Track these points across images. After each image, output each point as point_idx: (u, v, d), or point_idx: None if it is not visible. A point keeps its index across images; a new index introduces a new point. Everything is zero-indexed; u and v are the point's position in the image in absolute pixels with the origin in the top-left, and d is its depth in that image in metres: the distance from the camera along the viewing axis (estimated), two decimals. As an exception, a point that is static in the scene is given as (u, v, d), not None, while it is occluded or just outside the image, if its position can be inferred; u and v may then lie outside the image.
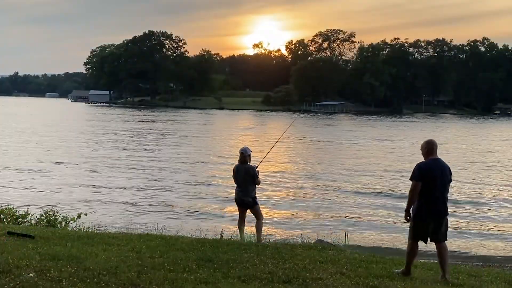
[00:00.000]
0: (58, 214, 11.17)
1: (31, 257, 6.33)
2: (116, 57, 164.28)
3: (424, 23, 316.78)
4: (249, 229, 10.21)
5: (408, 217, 6.95)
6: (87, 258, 6.57)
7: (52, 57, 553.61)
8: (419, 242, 7.07)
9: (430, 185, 6.77)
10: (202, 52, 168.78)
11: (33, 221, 11.02)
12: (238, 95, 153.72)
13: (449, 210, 7.04)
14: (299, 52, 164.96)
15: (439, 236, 6.98)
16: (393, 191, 22.71)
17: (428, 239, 7.00)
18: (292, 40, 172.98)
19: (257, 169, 9.72)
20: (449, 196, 6.99)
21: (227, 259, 7.02)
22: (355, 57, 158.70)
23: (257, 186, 9.73)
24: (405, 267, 7.08)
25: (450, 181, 7.02)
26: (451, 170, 7.09)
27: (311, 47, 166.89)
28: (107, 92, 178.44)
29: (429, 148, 6.99)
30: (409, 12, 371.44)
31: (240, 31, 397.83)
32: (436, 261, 7.38)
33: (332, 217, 17.42)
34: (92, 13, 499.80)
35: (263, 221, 10.01)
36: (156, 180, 24.33)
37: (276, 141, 12.91)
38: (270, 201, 19.74)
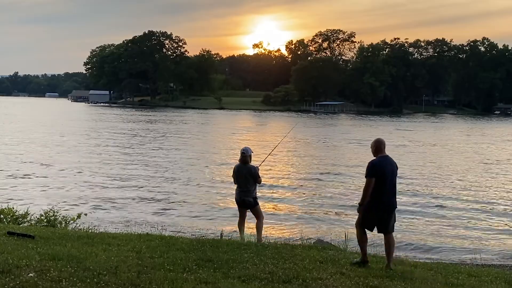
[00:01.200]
0: (58, 214, 11.15)
1: (31, 257, 6.33)
2: (116, 57, 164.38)
3: (424, 23, 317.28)
4: (249, 229, 10.21)
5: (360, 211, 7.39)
6: (87, 258, 6.56)
7: (52, 57, 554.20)
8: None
9: (382, 180, 7.21)
10: (202, 52, 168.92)
11: (33, 221, 11.01)
12: (238, 95, 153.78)
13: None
14: (299, 52, 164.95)
15: (389, 228, 7.44)
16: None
17: (376, 229, 7.47)
18: (292, 40, 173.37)
19: (258, 167, 9.72)
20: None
21: (227, 259, 7.02)
22: (355, 57, 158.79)
23: (258, 185, 9.72)
24: (361, 255, 7.43)
25: (396, 175, 7.49)
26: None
27: (311, 47, 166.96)
28: (107, 92, 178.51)
29: (377, 146, 7.44)
30: (409, 12, 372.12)
31: (240, 31, 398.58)
32: (436, 261, 7.39)
33: (332, 217, 17.42)
34: (92, 13, 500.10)
35: (263, 221, 9.99)
36: (156, 180, 24.32)
37: (276, 145, 12.90)
38: (270, 201, 19.73)
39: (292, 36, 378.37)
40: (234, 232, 11.41)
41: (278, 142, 13.08)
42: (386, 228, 7.43)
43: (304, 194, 21.87)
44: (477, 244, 14.87)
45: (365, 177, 7.32)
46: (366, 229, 7.46)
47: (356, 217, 7.64)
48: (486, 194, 22.72)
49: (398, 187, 25.20)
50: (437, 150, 42.60)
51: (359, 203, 7.40)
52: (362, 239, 7.45)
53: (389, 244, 7.47)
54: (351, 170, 28.81)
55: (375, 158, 7.42)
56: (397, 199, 7.61)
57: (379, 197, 7.24)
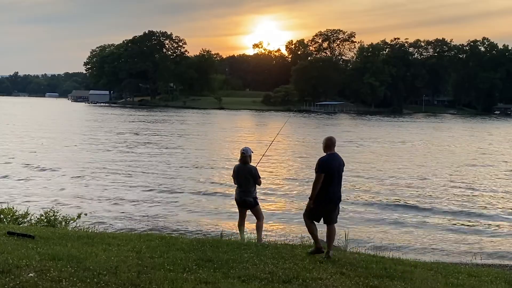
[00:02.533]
0: (58, 214, 11.15)
1: (31, 257, 6.33)
2: (116, 57, 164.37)
3: (424, 23, 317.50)
4: (249, 229, 10.21)
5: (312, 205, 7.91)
6: (87, 258, 6.56)
7: (52, 57, 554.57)
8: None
9: (329, 176, 7.76)
10: (202, 52, 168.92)
11: (33, 221, 11.01)
12: (238, 95, 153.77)
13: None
14: (299, 52, 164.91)
15: (333, 219, 7.96)
16: (392, 191, 22.71)
17: (322, 220, 8.01)
18: (292, 40, 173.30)
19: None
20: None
21: (227, 259, 7.01)
22: (355, 57, 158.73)
23: (258, 186, 9.70)
24: (314, 245, 7.90)
25: (342, 171, 8.01)
26: (345, 164, 8.16)
27: (311, 47, 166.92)
28: (107, 92, 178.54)
29: (326, 144, 8.02)
30: (409, 12, 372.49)
31: (240, 31, 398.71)
32: (436, 261, 7.40)
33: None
34: (92, 13, 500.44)
35: (263, 221, 9.98)
36: (156, 180, 24.32)
37: (271, 142, 12.90)
38: (270, 201, 19.73)
39: (292, 36, 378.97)
40: (234, 232, 11.41)
41: (273, 139, 13.06)
42: (331, 219, 7.93)
43: (304, 194, 21.86)
44: (477, 244, 14.87)
45: (315, 172, 7.79)
46: (316, 222, 7.98)
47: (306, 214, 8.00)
48: (487, 194, 22.72)
49: (398, 187, 25.12)
50: (438, 151, 42.58)
51: (309, 197, 7.86)
52: (311, 228, 7.96)
53: (330, 233, 7.96)
54: (350, 170, 28.79)
55: (324, 154, 7.93)
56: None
57: (327, 191, 7.74)
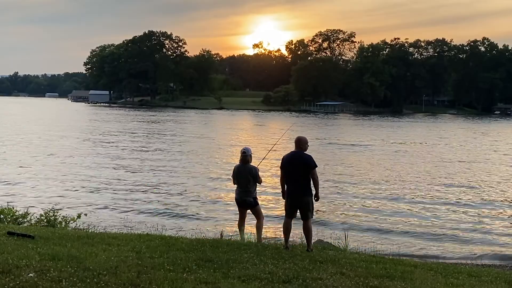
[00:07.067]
0: (58, 214, 11.15)
1: (31, 257, 6.33)
2: (116, 57, 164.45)
3: (424, 23, 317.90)
4: (249, 229, 10.20)
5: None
6: (87, 258, 6.56)
7: (52, 57, 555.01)
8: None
9: (286, 172, 8.35)
10: (202, 52, 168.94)
11: (33, 221, 11.01)
12: (238, 95, 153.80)
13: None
14: (299, 52, 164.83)
15: (302, 215, 8.42)
16: (393, 192, 22.72)
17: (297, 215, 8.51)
18: (292, 40, 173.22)
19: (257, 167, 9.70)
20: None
21: (227, 259, 7.01)
22: (355, 57, 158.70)
23: (258, 185, 9.70)
24: (284, 242, 8.45)
25: (304, 168, 8.25)
26: (313, 161, 8.44)
27: (311, 47, 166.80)
28: (107, 92, 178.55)
29: (295, 142, 8.65)
30: (409, 12, 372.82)
31: (240, 31, 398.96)
32: (436, 261, 7.41)
33: (332, 217, 17.41)
34: (92, 13, 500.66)
35: (263, 221, 9.98)
36: (156, 180, 24.32)
37: (273, 145, 12.90)
38: (270, 201, 19.72)
39: (292, 36, 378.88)
40: (234, 232, 11.41)
41: (274, 143, 13.07)
42: (301, 215, 8.40)
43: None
44: (477, 244, 14.87)
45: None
46: (289, 218, 8.45)
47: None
48: (487, 194, 22.72)
49: (399, 188, 24.96)
50: (440, 151, 42.57)
51: (281, 191, 8.49)
52: (283, 227, 8.54)
53: (304, 230, 8.46)
54: (350, 171, 28.81)
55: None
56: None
57: (287, 186, 8.34)
